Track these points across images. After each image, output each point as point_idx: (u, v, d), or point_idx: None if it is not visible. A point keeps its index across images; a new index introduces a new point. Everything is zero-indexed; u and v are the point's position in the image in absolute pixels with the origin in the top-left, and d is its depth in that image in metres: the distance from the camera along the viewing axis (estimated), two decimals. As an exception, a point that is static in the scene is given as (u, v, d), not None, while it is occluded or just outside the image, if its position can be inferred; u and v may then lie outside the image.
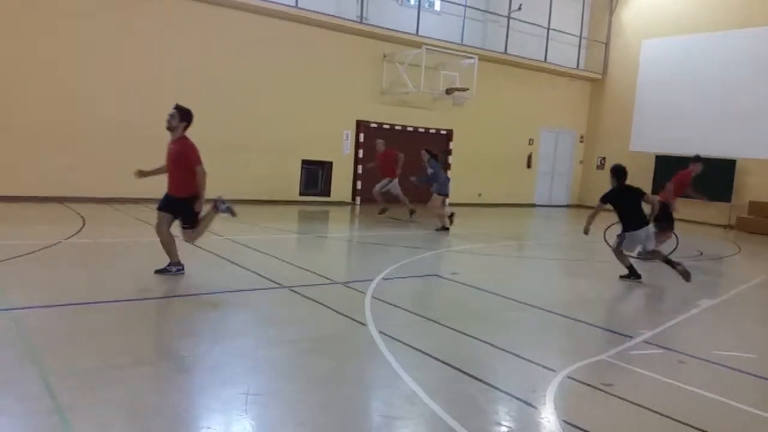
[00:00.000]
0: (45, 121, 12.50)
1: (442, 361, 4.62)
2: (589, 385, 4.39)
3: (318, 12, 15.67)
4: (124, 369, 4.09)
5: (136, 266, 7.45)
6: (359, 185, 17.26)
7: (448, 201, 13.94)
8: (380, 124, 17.46)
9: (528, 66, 20.21)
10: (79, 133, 12.78)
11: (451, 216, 12.67)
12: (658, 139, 19.94)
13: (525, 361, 4.85)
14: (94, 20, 12.95)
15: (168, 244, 6.77)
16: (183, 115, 6.68)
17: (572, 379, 4.47)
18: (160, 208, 6.76)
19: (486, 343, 5.21)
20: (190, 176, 6.59)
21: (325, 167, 16.95)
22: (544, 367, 4.70)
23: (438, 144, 18.32)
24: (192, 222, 6.83)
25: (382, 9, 17.45)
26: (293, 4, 15.31)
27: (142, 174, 6.81)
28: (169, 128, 6.68)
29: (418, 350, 4.84)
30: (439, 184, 12.48)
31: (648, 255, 8.56)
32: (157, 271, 6.74)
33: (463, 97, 17.76)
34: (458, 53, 17.68)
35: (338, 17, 16.17)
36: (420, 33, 17.50)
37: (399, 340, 5.02)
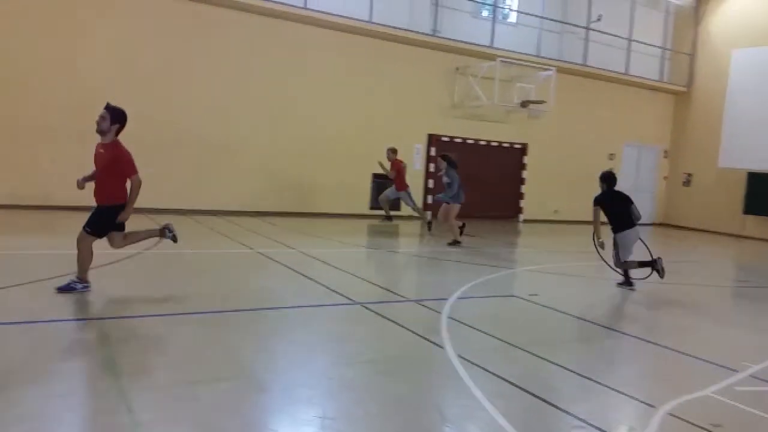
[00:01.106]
0: (129, 135, 12.97)
1: (528, 392, 4.31)
2: (695, 425, 3.96)
3: (391, 26, 15.65)
4: (201, 385, 4.01)
5: (215, 278, 7.50)
6: (429, 200, 17.02)
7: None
8: (452, 138, 17.21)
9: (608, 78, 19.48)
10: (160, 146, 13.17)
11: (462, 227, 11.99)
12: (750, 155, 18.69)
13: (619, 394, 4.46)
14: (182, 40, 13.43)
15: (83, 259, 6.02)
16: (115, 117, 6.00)
17: (674, 416, 4.06)
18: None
19: (575, 372, 4.84)
20: (121, 184, 6.00)
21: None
22: (642, 401, 4.30)
23: (512, 157, 17.92)
24: (96, 228, 6.03)
25: (455, 22, 17.24)
26: (367, 18, 15.36)
27: (81, 183, 6.21)
28: (100, 131, 6.00)
29: (501, 378, 4.54)
30: (454, 193, 11.74)
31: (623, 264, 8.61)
32: (60, 289, 5.93)
33: (539, 110, 17.26)
34: (534, 65, 17.23)
35: (411, 30, 16.10)
36: (494, 45, 17.18)
37: (479, 366, 4.74)
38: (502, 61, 16.27)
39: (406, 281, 8.98)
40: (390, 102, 16.04)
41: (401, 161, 14.05)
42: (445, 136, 17.14)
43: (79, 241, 5.99)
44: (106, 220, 6.04)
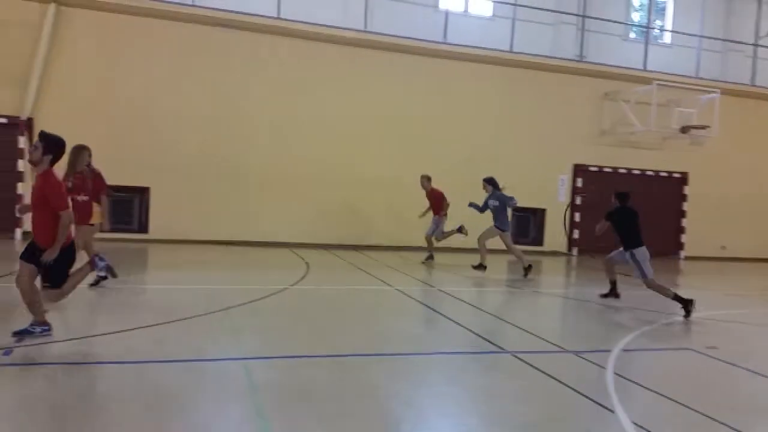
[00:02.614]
0: (275, 174, 13.57)
1: (730, 478, 3.53)
2: None
3: (534, 54, 15.10)
4: (345, 443, 3.72)
5: (357, 317, 7.33)
6: (576, 234, 15.98)
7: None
8: (600, 168, 16.13)
9: (781, 99, 17.33)
10: (304, 183, 13.59)
11: (529, 268, 11.11)
12: None
13: None
14: (326, 89, 13.93)
15: (31, 301, 5.31)
16: (48, 147, 5.28)
17: None
18: (21, 256, 5.36)
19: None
20: (53, 220, 5.22)
21: (537, 214, 16.03)
22: None
23: (670, 187, 16.40)
24: (55, 280, 5.39)
25: (602, 45, 16.32)
26: (508, 48, 14.95)
27: (20, 210, 5.97)
28: (31, 162, 5.36)
29: (692, 457, 3.79)
30: (501, 219, 11.18)
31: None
32: (16, 333, 5.28)
33: (701, 136, 15.65)
34: (696, 87, 15.72)
35: (555, 57, 15.43)
36: (648, 68, 15.95)
37: (662, 439, 4.01)
38: (658, 85, 15.00)
39: (559, 327, 8.24)
40: (531, 131, 15.42)
41: (437, 189, 12.78)
42: (593, 166, 16.09)
43: (17, 284, 5.32)
44: (53, 264, 5.28)
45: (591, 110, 16.11)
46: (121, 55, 12.91)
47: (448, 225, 12.57)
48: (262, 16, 13.48)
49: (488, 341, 6.37)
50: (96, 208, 7.71)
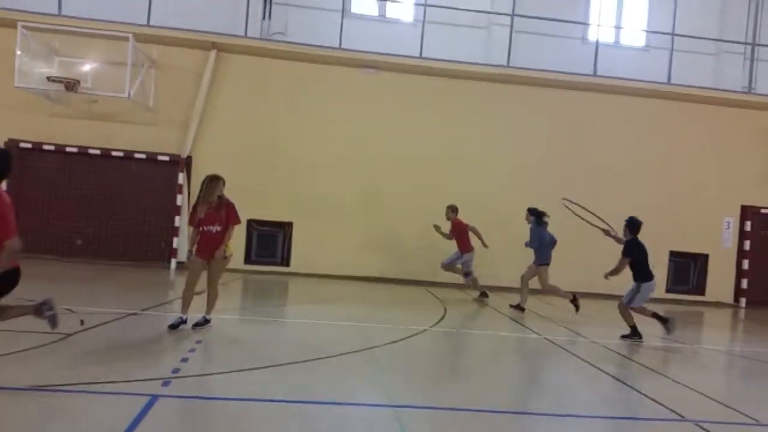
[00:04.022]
0: (414, 212, 13.43)
1: None
2: None
3: (695, 86, 13.88)
4: None
5: (505, 368, 6.79)
6: (744, 283, 14.21)
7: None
8: (774, 210, 14.31)
9: None
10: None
11: (575, 300, 10.47)
12: None
13: None
14: (470, 126, 13.80)
15: None
16: None
17: None
18: None
19: None
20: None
21: (699, 261, 14.47)
22: None
23: None
24: None
25: (775, 76, 14.66)
26: (665, 80, 13.86)
27: None
28: None
29: None
30: (541, 253, 10.46)
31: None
32: None
33: None
34: None
35: (719, 89, 14.07)
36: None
37: None
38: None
39: (742, 392, 7.10)
40: (691, 170, 14.09)
41: (462, 221, 11.83)
42: (765, 208, 14.30)
43: None
44: None
45: (761, 146, 14.42)
46: (269, 96, 13.59)
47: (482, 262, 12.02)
48: (405, 56, 13.61)
49: (665, 407, 5.54)
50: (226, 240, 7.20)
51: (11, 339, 6.03)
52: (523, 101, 13.86)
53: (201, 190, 6.99)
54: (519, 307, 10.66)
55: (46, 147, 13.02)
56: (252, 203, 12.79)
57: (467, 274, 11.77)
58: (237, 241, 12.48)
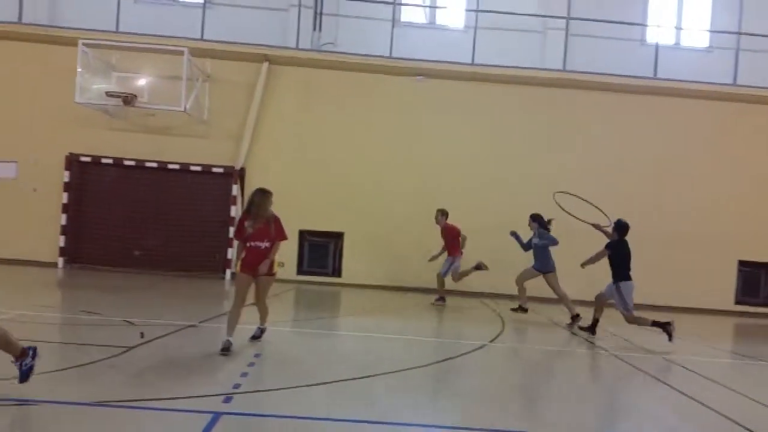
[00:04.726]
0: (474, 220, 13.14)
1: None
2: None
3: (763, 87, 13.21)
4: None
5: (576, 389, 6.45)
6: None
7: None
8: None
9: None
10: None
11: (576, 317, 9.85)
12: None
13: None
14: (526, 132, 13.36)
15: None
16: None
17: None
18: None
19: None
20: None
21: (774, 271, 13.67)
22: None
23: None
24: None
25: None
26: (731, 82, 13.23)
27: None
28: None
29: None
30: (542, 260, 10.14)
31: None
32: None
33: None
34: None
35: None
36: None
37: None
38: None
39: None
40: (760, 174, 13.40)
41: (453, 225, 11.46)
42: (843, 215, 13.43)
43: None
44: None
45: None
46: (320, 107, 13.60)
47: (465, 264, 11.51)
48: (457, 63, 13.42)
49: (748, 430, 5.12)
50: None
51: (74, 352, 6.08)
52: (581, 106, 13.45)
53: (251, 205, 6.64)
54: (520, 309, 10.58)
55: (104, 161, 13.35)
56: (303, 213, 12.78)
57: (444, 274, 11.54)
58: (289, 251, 12.51)
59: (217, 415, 4.42)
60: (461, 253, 11.49)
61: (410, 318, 10.37)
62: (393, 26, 13.68)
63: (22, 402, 4.39)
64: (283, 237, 6.77)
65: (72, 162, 13.26)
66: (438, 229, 11.58)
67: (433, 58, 13.40)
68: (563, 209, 9.59)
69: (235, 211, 13.13)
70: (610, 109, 13.45)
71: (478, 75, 13.36)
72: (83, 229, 13.49)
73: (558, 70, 13.39)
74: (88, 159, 13.35)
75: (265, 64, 13.42)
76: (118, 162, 13.33)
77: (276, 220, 6.71)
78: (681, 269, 13.09)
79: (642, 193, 13.21)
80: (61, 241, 13.13)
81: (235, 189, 13.28)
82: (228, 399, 4.86)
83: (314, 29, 13.96)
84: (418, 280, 13.16)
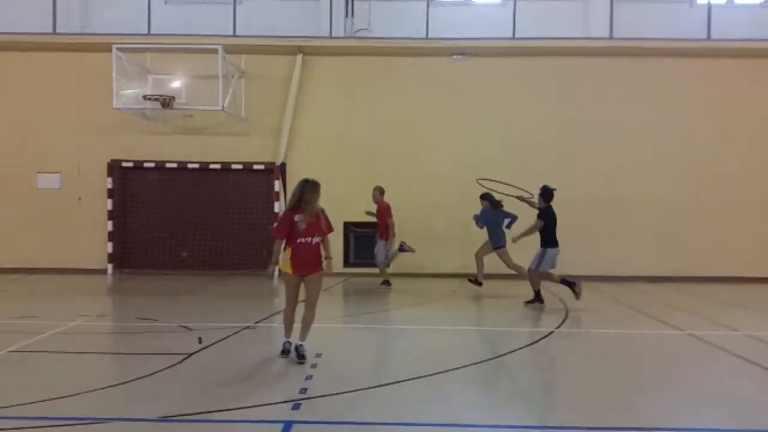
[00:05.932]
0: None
1: None
2: None
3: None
4: None
5: (657, 375, 6.02)
6: None
7: None
8: None
9: None
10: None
11: (475, 280, 10.69)
12: None
13: None
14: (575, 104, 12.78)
15: None
16: None
17: None
18: None
19: None
20: None
21: None
22: None
23: None
24: None
25: None
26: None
27: None
28: None
29: None
30: (494, 235, 10.42)
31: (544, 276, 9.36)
32: None
33: None
34: None
35: None
36: None
37: None
38: None
39: None
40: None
41: (387, 203, 11.18)
42: None
43: None
44: None
45: None
46: (358, 94, 13.25)
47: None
48: (497, 38, 12.91)
49: None
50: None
51: (134, 362, 5.94)
52: (631, 74, 12.77)
53: (300, 198, 6.01)
54: (476, 281, 10.79)
55: (146, 165, 13.30)
56: (347, 204, 12.47)
57: (386, 257, 11.44)
58: (335, 244, 12.23)
59: (288, 425, 4.19)
60: (394, 235, 11.31)
61: (465, 306, 9.98)
62: (428, 5, 13.21)
63: (84, 421, 4.22)
64: (332, 229, 6.32)
65: (114, 168, 13.25)
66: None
67: (472, 35, 12.90)
68: (490, 189, 10.35)
69: (279, 207, 12.93)
70: (663, 74, 12.70)
71: (520, 49, 12.79)
72: (130, 234, 13.51)
73: (605, 38, 12.74)
74: (129, 164, 13.33)
75: (300, 56, 13.13)
76: (159, 165, 13.27)
77: (324, 213, 6.22)
78: (753, 236, 12.49)
79: (706, 160, 12.54)
80: (109, 247, 13.16)
81: (278, 185, 13.08)
82: (296, 406, 4.63)
83: (346, 15, 13.60)
84: (465, 267, 12.69)
